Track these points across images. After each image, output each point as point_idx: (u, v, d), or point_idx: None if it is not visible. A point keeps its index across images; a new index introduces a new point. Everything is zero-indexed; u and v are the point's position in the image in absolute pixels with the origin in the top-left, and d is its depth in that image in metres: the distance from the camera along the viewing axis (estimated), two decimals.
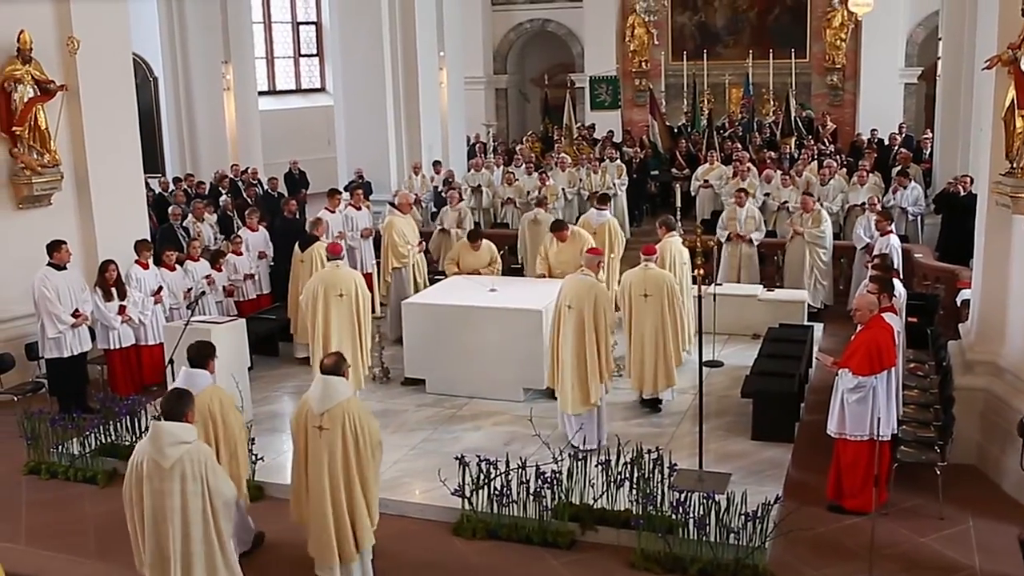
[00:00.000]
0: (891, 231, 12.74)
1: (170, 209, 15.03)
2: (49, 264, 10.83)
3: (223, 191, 18.02)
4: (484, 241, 12.71)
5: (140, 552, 6.30)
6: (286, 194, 18.78)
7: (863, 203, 15.57)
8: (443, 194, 17.96)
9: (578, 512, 7.94)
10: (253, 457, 8.79)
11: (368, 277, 12.60)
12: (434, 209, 18.15)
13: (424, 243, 13.65)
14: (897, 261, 12.04)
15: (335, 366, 7.14)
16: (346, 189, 18.40)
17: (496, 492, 8.05)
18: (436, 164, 19.92)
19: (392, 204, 14.16)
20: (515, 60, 29.35)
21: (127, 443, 9.58)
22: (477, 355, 10.78)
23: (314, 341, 10.42)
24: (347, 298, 10.39)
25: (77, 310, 10.89)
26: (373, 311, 11.49)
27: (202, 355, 7.49)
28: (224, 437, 7.32)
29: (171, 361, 9.47)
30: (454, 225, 15.26)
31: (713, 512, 7.42)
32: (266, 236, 14.13)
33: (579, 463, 8.13)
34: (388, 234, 12.98)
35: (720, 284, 13.03)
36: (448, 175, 19.39)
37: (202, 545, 6.19)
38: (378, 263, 13.73)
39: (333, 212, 14.32)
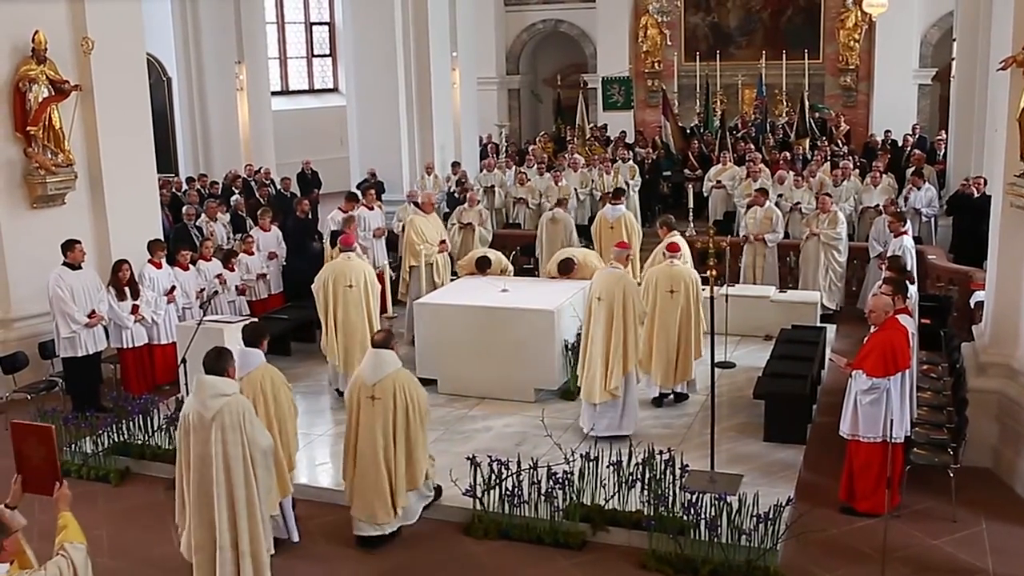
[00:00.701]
0: (905, 232, 12.68)
1: (184, 209, 15.08)
2: (64, 264, 10.88)
3: (236, 191, 18.07)
4: (492, 264, 12.56)
5: (183, 500, 6.84)
6: (299, 194, 18.83)
7: (876, 204, 15.54)
8: (456, 195, 17.97)
9: (589, 513, 7.94)
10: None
11: (380, 276, 12.63)
12: (447, 209, 18.14)
13: (447, 243, 13.65)
14: (911, 263, 11.99)
15: (385, 340, 7.86)
16: (358, 188, 18.43)
17: (507, 492, 8.06)
18: (455, 165, 19.91)
19: (416, 203, 14.23)
20: (528, 61, 29.34)
21: (140, 442, 9.63)
22: (489, 355, 10.78)
23: (326, 329, 10.75)
24: (356, 289, 10.74)
25: (93, 311, 10.93)
26: (384, 311, 11.56)
27: (256, 335, 7.99)
28: (275, 414, 7.66)
29: (184, 360, 9.51)
30: (477, 222, 15.38)
31: (725, 513, 7.41)
32: (278, 236, 14.16)
33: (591, 463, 8.13)
34: (407, 232, 13.12)
35: (733, 285, 13.00)
36: (462, 176, 19.40)
37: (243, 489, 6.68)
38: (390, 263, 13.75)
39: (345, 212, 14.32)
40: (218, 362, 6.89)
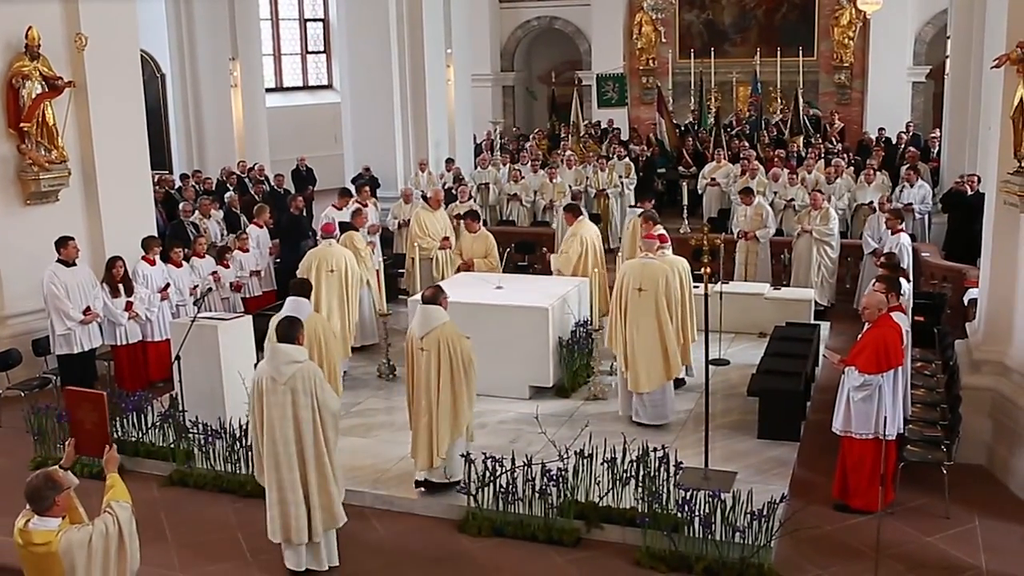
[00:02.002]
0: (902, 230, 12.70)
1: (181, 205, 14.99)
2: (58, 260, 10.86)
3: (230, 188, 18.05)
4: (483, 229, 12.76)
5: (259, 457, 7.42)
6: (293, 191, 18.81)
7: (870, 202, 15.57)
8: (453, 191, 17.97)
9: (584, 510, 7.94)
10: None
11: (376, 274, 12.62)
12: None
13: (451, 239, 13.65)
14: (907, 260, 12.01)
15: (433, 297, 8.45)
16: (353, 182, 18.41)
17: (502, 489, 8.06)
18: (448, 162, 19.90)
19: (424, 198, 14.27)
20: (522, 57, 29.34)
21: (133, 439, 9.62)
22: (483, 352, 10.66)
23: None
24: (337, 274, 11.44)
25: (88, 307, 10.91)
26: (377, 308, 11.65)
27: (304, 289, 9.21)
28: (326, 358, 8.67)
29: (178, 357, 9.50)
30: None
31: (719, 510, 7.42)
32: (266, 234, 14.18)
33: (585, 460, 8.13)
34: (411, 225, 13.28)
35: (727, 282, 13.01)
36: (456, 172, 19.40)
37: (312, 449, 7.23)
38: (384, 260, 13.74)
39: (340, 210, 14.32)
40: (290, 330, 7.43)
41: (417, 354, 8.33)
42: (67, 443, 6.20)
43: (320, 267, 11.35)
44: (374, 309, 12.18)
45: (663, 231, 11.08)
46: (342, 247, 11.89)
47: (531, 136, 24.32)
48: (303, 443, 7.21)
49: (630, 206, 14.23)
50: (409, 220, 14.79)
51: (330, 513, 7.38)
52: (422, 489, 8.53)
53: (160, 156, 20.29)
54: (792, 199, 15.89)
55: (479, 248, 12.96)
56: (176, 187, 17.80)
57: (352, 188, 15.87)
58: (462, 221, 13.45)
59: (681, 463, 8.07)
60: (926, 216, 16.27)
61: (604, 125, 24.57)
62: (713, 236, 9.32)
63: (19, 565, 5.50)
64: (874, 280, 9.03)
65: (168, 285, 11.91)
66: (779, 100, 23.50)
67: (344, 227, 12.79)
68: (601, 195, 18.29)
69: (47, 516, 5.31)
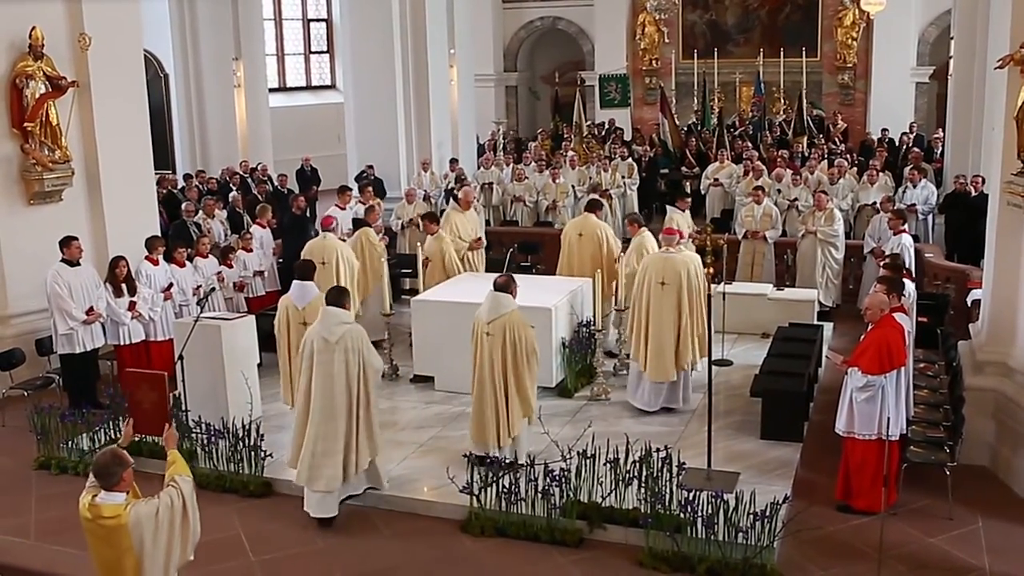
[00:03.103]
0: (904, 230, 12.69)
1: (183, 205, 15.00)
2: (62, 260, 10.86)
3: (233, 187, 18.06)
4: (440, 231, 12.58)
5: (302, 411, 8.14)
6: (297, 191, 18.82)
7: (873, 202, 15.56)
8: (456, 191, 17.97)
9: (586, 510, 7.94)
10: (262, 454, 8.89)
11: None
12: (444, 206, 18.14)
13: (483, 240, 13.63)
14: (909, 261, 12.00)
15: (505, 285, 8.89)
16: (357, 180, 18.40)
17: (504, 490, 8.06)
18: (452, 162, 19.90)
19: (455, 198, 14.26)
20: (525, 58, 29.35)
21: (136, 439, 9.59)
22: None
23: None
24: (329, 266, 11.70)
25: (92, 307, 10.92)
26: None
27: (308, 271, 9.81)
28: None
29: (181, 357, 9.50)
30: None
31: (721, 511, 7.41)
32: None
33: (588, 461, 8.13)
34: (442, 227, 13.22)
35: (730, 283, 13.01)
36: (460, 172, 19.40)
37: (362, 399, 8.04)
38: (388, 260, 13.71)
39: (343, 209, 14.33)
40: (339, 297, 8.30)
41: (483, 338, 8.76)
42: (125, 423, 6.60)
43: (313, 259, 11.28)
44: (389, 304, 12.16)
45: (650, 234, 11.17)
46: (338, 241, 12.15)
47: (536, 136, 24.33)
48: (351, 395, 8.00)
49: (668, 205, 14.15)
50: (412, 220, 14.83)
51: (373, 444, 8.25)
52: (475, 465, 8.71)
53: (163, 156, 20.32)
54: (796, 199, 15.89)
55: (470, 225, 13.07)
56: (180, 187, 17.82)
57: (351, 187, 15.86)
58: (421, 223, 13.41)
59: (684, 464, 8.08)
60: (929, 216, 16.26)
61: (607, 125, 24.57)
62: (716, 236, 9.32)
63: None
64: (876, 281, 9.03)
65: (171, 285, 11.91)
66: (782, 100, 23.52)
67: (357, 223, 12.79)
68: (604, 195, 18.25)
69: (114, 491, 5.56)
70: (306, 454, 8.10)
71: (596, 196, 14.50)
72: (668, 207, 13.66)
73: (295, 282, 9.73)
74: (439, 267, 12.41)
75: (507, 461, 8.52)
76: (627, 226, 11.90)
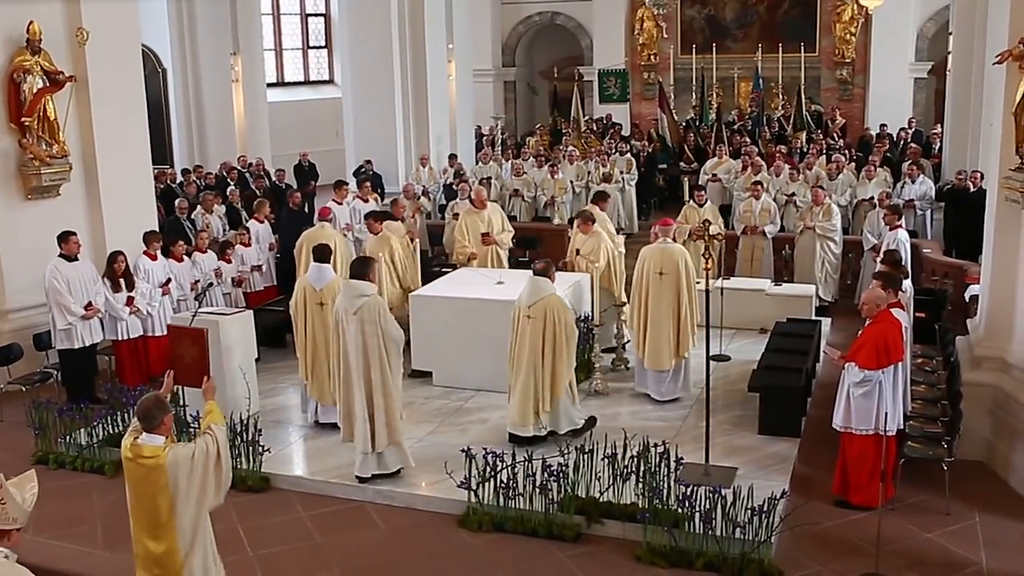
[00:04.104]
0: (900, 226, 12.69)
1: (176, 202, 14.96)
2: (60, 255, 10.86)
3: (231, 182, 18.05)
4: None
5: (336, 379, 8.62)
6: (294, 186, 18.80)
7: (871, 198, 15.56)
8: (454, 187, 17.97)
9: (584, 505, 7.95)
10: (261, 448, 8.90)
11: None
12: (443, 201, 18.14)
13: (510, 230, 13.58)
14: (905, 256, 12.00)
15: (544, 270, 9.32)
16: (355, 175, 18.38)
17: (502, 485, 8.06)
18: (451, 157, 19.89)
19: (470, 199, 14.22)
20: (524, 53, 29.30)
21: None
22: (484, 348, 10.76)
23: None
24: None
25: (90, 302, 10.92)
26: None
27: (325, 254, 10.02)
28: None
29: None
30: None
31: (719, 506, 7.42)
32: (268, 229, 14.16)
33: (585, 456, 8.14)
34: (456, 228, 13.39)
35: (728, 278, 13.02)
36: (458, 167, 19.40)
37: (379, 373, 8.36)
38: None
39: (340, 204, 14.31)
40: (361, 268, 8.61)
41: (523, 321, 9.18)
42: (166, 374, 6.93)
43: (308, 246, 11.65)
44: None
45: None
46: (333, 230, 12.36)
47: (535, 131, 24.32)
48: (370, 367, 8.32)
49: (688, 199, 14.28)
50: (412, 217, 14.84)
51: (391, 429, 8.50)
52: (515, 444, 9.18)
53: (161, 151, 20.30)
54: (794, 195, 15.89)
55: (485, 222, 13.05)
56: (178, 182, 17.80)
57: (353, 181, 15.84)
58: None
59: (682, 459, 8.09)
60: (928, 212, 16.26)
61: (605, 121, 24.56)
62: (714, 231, 9.35)
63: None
64: (873, 276, 9.03)
65: (169, 280, 11.91)
66: (781, 96, 23.48)
67: (382, 216, 12.84)
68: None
69: (155, 433, 5.97)
70: (343, 414, 8.69)
71: (603, 188, 14.63)
72: (688, 201, 14.04)
73: (313, 264, 10.07)
74: (386, 268, 12.13)
75: (546, 432, 9.16)
76: (578, 225, 11.78)
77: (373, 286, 8.56)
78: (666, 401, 10.43)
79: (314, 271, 9.93)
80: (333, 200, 14.34)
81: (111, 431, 9.61)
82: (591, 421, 9.54)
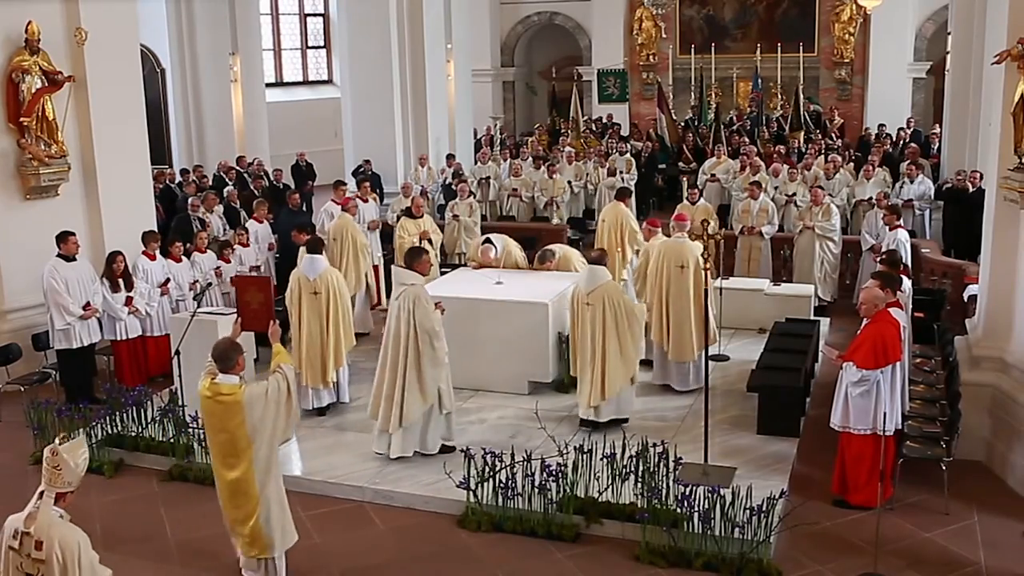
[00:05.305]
0: (900, 226, 12.70)
1: (190, 200, 14.87)
2: (58, 255, 10.85)
3: (229, 182, 18.03)
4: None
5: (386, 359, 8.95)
6: (292, 186, 18.78)
7: (869, 198, 15.57)
8: (453, 187, 17.97)
9: (583, 505, 7.95)
10: None
11: (376, 269, 12.62)
12: (441, 201, 18.14)
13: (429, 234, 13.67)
14: (906, 256, 12.01)
15: (600, 258, 9.73)
16: (354, 175, 18.36)
17: (501, 485, 8.07)
18: (449, 157, 19.89)
19: (452, 195, 14.36)
20: (522, 53, 29.31)
21: (133, 433, 9.62)
22: (483, 348, 10.77)
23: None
24: (338, 243, 12.70)
25: (88, 302, 10.91)
26: (378, 303, 11.66)
27: (317, 245, 10.49)
28: (341, 305, 10.13)
29: (177, 352, 9.50)
30: (467, 214, 15.54)
31: (718, 506, 7.43)
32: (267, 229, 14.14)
33: (584, 456, 8.14)
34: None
35: (727, 278, 13.02)
36: (457, 167, 19.40)
37: (406, 359, 8.74)
38: (384, 255, 13.74)
39: (339, 203, 14.28)
40: (411, 258, 9.07)
41: (583, 308, 9.48)
42: (234, 321, 7.70)
43: (349, 231, 12.68)
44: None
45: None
46: (355, 224, 12.95)
47: (533, 131, 24.33)
48: (399, 352, 8.73)
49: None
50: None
51: (399, 409, 8.79)
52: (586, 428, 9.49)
53: (160, 151, 20.28)
54: (793, 195, 15.90)
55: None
56: (177, 182, 17.77)
57: (351, 181, 15.84)
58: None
59: (680, 459, 8.09)
60: (926, 212, 16.26)
61: (604, 121, 24.57)
62: (713, 231, 9.37)
63: None
64: (871, 276, 9.04)
65: (168, 280, 11.91)
66: (779, 96, 23.49)
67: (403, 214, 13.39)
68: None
69: (230, 373, 6.67)
70: (373, 393, 9.12)
71: (625, 185, 14.85)
72: (684, 200, 14.23)
73: (306, 255, 10.33)
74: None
75: (607, 420, 9.43)
76: (541, 266, 11.91)
77: (417, 276, 8.93)
78: (685, 392, 10.61)
79: (307, 262, 10.18)
80: (332, 200, 14.32)
81: (110, 431, 9.61)
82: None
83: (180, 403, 9.50)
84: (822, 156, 18.08)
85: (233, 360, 6.69)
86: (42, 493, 5.48)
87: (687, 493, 7.54)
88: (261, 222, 14.09)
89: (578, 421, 9.70)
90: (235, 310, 11.58)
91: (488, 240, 12.30)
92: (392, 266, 9.51)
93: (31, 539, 5.30)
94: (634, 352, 9.49)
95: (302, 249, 10.91)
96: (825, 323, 12.84)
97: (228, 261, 12.94)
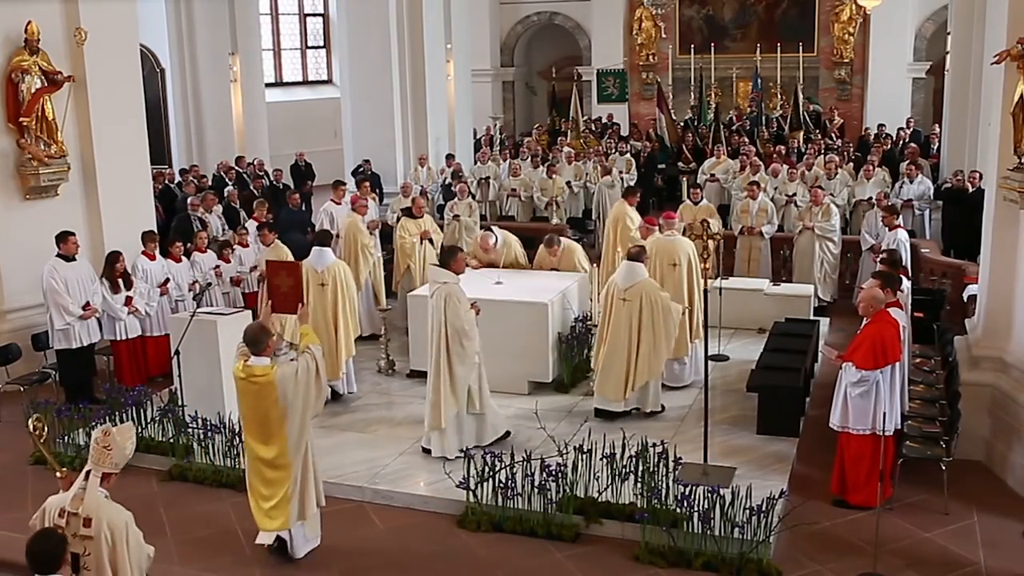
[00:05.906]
0: (899, 226, 12.70)
1: (189, 200, 14.89)
2: (58, 255, 10.85)
3: (229, 182, 18.02)
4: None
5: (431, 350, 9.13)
6: (292, 186, 18.78)
7: (869, 198, 15.58)
8: (452, 187, 17.97)
9: (583, 505, 7.95)
10: None
11: (374, 268, 12.60)
12: (441, 201, 18.13)
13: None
14: (905, 256, 12.01)
15: (638, 255, 9.83)
16: (353, 175, 18.36)
17: (501, 485, 8.06)
18: (449, 157, 19.89)
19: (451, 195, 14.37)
20: (522, 53, 29.32)
21: (137, 431, 9.59)
22: (482, 348, 10.75)
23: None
24: (343, 240, 12.83)
25: (88, 303, 10.91)
26: (377, 303, 11.64)
27: (325, 238, 10.85)
28: (347, 295, 10.45)
29: (177, 352, 9.50)
30: (467, 214, 15.54)
31: (718, 506, 7.43)
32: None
33: (584, 456, 8.14)
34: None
35: (726, 278, 13.02)
36: (457, 167, 19.40)
37: (437, 355, 8.93)
38: (384, 255, 13.73)
39: (339, 204, 14.30)
40: (447, 256, 9.33)
41: (618, 304, 9.68)
42: (265, 304, 8.10)
43: (354, 231, 12.70)
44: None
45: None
46: (362, 223, 12.92)
47: (532, 131, 24.33)
48: (433, 350, 8.94)
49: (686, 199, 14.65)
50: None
51: (436, 410, 8.95)
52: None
53: (159, 151, 20.29)
54: (793, 195, 15.90)
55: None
56: (176, 182, 17.77)
57: (351, 181, 15.83)
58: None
59: (680, 459, 8.08)
60: (926, 212, 16.26)
61: (604, 121, 24.57)
62: (713, 231, 9.35)
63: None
64: (871, 276, 9.04)
65: (168, 280, 11.91)
66: (779, 96, 23.51)
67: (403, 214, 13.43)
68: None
69: (261, 356, 7.05)
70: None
71: (632, 184, 14.91)
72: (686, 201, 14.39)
73: (314, 248, 10.63)
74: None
75: (634, 410, 9.78)
76: (547, 249, 11.91)
77: (452, 275, 9.07)
78: (679, 387, 10.68)
79: (315, 254, 10.50)
80: (332, 200, 14.33)
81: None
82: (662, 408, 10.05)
83: (180, 403, 9.50)
84: (822, 156, 18.09)
85: (263, 343, 7.07)
86: (87, 473, 5.64)
87: (687, 493, 7.53)
88: (261, 222, 14.06)
89: (583, 417, 9.66)
90: (236, 308, 11.69)
91: (489, 229, 12.34)
92: (428, 265, 9.90)
93: (79, 518, 5.48)
94: (665, 348, 9.74)
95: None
96: (825, 323, 12.84)
97: (228, 261, 12.93)
